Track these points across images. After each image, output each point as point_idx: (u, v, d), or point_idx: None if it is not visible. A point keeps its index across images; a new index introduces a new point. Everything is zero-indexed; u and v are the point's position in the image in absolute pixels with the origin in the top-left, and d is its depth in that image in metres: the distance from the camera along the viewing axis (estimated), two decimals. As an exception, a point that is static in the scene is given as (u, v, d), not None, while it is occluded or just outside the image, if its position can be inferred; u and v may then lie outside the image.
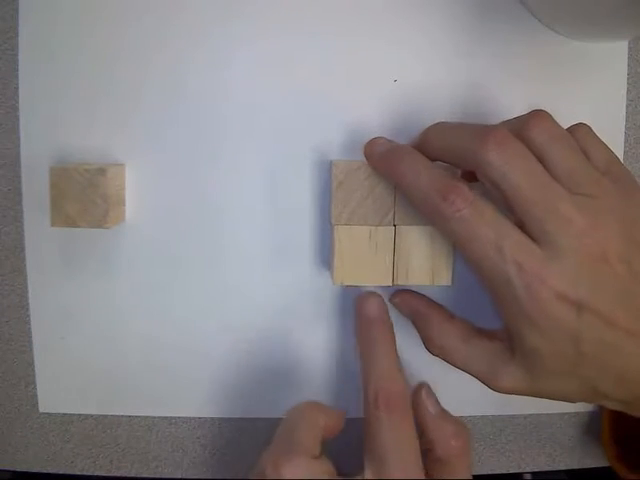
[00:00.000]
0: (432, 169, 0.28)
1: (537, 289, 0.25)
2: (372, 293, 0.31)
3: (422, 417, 0.30)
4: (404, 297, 0.32)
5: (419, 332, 0.31)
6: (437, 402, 0.31)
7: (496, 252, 0.25)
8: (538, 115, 0.27)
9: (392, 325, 0.31)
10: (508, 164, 0.25)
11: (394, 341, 0.30)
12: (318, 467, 0.26)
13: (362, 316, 0.31)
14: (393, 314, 0.32)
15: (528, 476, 0.41)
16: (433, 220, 0.27)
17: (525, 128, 0.27)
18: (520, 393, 0.28)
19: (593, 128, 0.34)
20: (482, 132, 0.26)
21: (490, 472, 0.37)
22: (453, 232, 0.26)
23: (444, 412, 0.31)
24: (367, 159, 0.30)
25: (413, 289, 0.32)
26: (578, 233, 0.25)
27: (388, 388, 0.28)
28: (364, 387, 0.29)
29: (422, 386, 0.31)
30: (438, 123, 0.30)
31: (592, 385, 0.26)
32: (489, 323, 0.35)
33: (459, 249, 0.27)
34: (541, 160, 0.26)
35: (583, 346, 0.25)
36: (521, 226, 0.26)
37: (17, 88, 0.33)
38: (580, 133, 0.28)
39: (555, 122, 0.27)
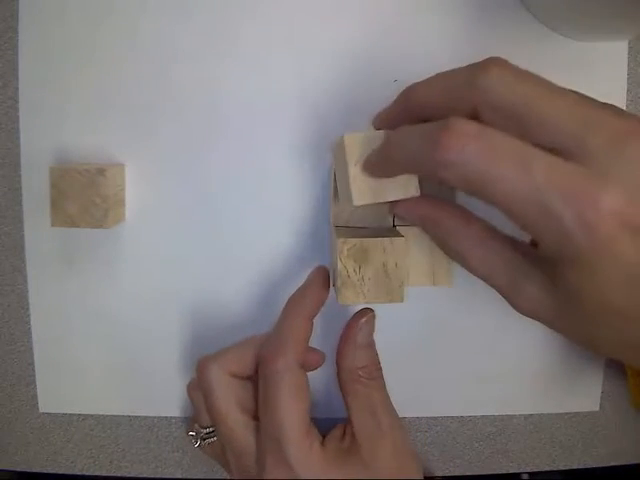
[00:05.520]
0: (418, 126, 0.23)
1: (593, 218, 0.19)
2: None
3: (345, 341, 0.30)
4: (408, 207, 0.26)
5: (432, 238, 0.26)
6: (369, 334, 0.30)
7: (526, 183, 0.19)
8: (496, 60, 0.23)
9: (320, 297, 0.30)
10: (517, 82, 0.21)
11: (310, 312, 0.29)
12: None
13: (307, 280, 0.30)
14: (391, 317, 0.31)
15: (525, 476, 0.41)
16: (436, 179, 0.21)
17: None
18: (542, 322, 0.23)
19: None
20: (477, 65, 0.22)
21: (490, 472, 0.37)
22: (464, 180, 0.20)
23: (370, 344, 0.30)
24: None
25: (413, 290, 0.32)
26: (624, 134, 0.19)
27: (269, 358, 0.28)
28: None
29: (365, 314, 0.30)
30: (419, 82, 0.25)
31: (631, 340, 0.21)
32: (490, 324, 0.35)
33: (476, 197, 0.21)
34: None
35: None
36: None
37: (17, 88, 0.33)
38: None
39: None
